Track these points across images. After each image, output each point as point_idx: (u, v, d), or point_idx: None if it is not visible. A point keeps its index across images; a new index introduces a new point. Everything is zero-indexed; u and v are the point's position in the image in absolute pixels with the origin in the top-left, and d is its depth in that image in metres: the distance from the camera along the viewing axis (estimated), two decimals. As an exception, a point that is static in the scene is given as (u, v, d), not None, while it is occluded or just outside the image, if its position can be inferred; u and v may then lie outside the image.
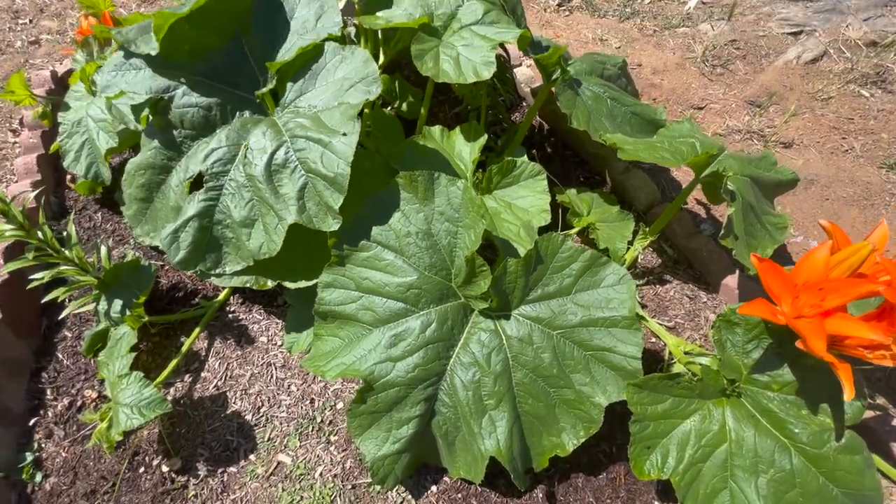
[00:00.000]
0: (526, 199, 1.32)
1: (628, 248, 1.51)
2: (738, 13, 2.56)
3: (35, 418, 1.34)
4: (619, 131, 1.48)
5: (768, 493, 0.94)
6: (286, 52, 1.19)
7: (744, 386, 1.03)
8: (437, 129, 1.43)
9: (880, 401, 1.35)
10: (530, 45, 1.48)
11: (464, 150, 1.39)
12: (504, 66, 2.06)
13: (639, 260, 1.61)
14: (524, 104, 2.11)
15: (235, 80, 1.21)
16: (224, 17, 1.19)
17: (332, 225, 1.05)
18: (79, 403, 1.37)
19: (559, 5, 2.77)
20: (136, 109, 1.18)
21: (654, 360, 1.41)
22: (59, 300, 1.41)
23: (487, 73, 1.24)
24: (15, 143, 2.17)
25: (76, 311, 1.54)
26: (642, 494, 1.18)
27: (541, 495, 1.17)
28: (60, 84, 2.19)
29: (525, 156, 1.44)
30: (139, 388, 1.12)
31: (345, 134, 1.02)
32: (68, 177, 1.92)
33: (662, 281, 1.58)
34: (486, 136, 1.37)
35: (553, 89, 1.59)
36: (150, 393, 1.11)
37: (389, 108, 1.95)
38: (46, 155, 1.88)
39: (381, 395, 1.05)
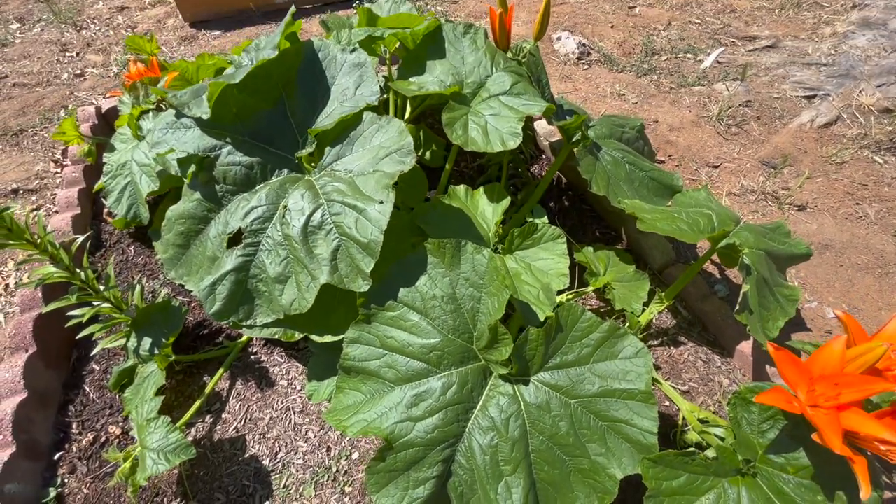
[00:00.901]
0: (546, 262, 1.37)
1: (643, 310, 1.54)
2: (752, 74, 2.64)
3: (60, 452, 1.38)
4: (636, 195, 1.54)
5: (783, 580, 0.94)
6: (326, 118, 1.27)
7: (759, 466, 1.04)
8: (461, 189, 1.49)
9: (897, 479, 1.34)
10: (554, 113, 1.56)
11: (487, 209, 1.45)
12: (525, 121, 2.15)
13: (653, 321, 1.64)
14: (543, 157, 2.19)
15: (277, 141, 1.29)
16: (271, 83, 1.29)
17: (363, 286, 1.10)
18: (102, 439, 1.41)
19: (578, 59, 2.88)
20: (183, 164, 1.26)
21: (667, 424, 1.42)
22: (93, 337, 1.47)
23: (514, 144, 1.31)
24: (56, 173, 2.29)
25: (106, 347, 1.60)
26: (654, 567, 1.18)
27: (552, 562, 1.17)
28: (104, 119, 2.32)
29: (545, 216, 1.50)
30: (166, 433, 1.16)
31: (381, 202, 1.08)
32: (105, 210, 2.02)
33: (677, 343, 1.60)
34: (508, 199, 1.43)
35: (574, 150, 1.66)
36: (177, 438, 1.15)
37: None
38: (87, 190, 1.98)
39: (399, 455, 1.08)
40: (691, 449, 1.02)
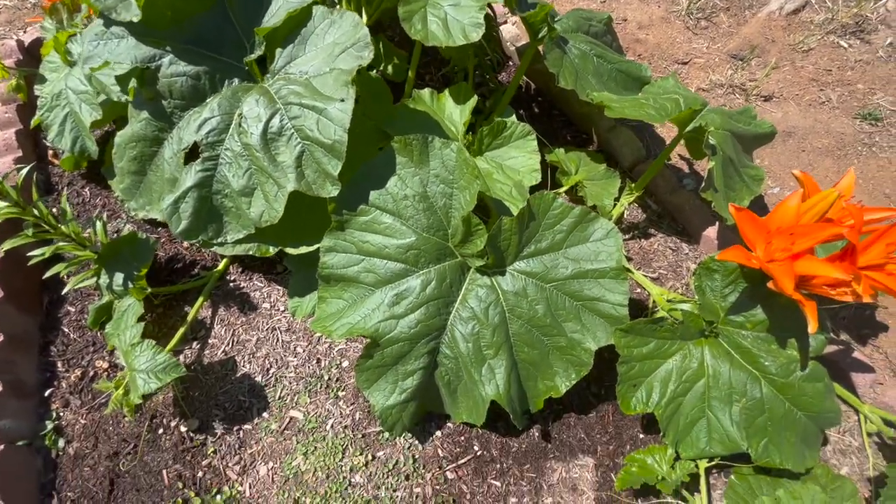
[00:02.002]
0: (517, 160, 1.36)
1: (615, 205, 1.57)
2: (722, -37, 2.53)
3: (50, 389, 1.39)
4: (605, 89, 1.51)
5: (741, 419, 1.05)
6: (272, 17, 1.17)
7: (721, 327, 1.12)
8: (426, 93, 1.44)
9: (844, 337, 1.48)
10: (517, 2, 1.48)
11: (454, 112, 1.41)
12: (490, 24, 2.03)
13: (625, 215, 1.68)
14: (510, 63, 2.10)
15: (222, 47, 1.19)
16: (205, -19, 1.16)
17: (332, 191, 1.08)
18: (91, 374, 1.42)
19: (543, -43, 2.69)
20: (122, 80, 1.17)
21: (638, 308, 1.50)
22: (61, 276, 1.43)
23: (476, 35, 1.24)
24: (-12, 118, 2.09)
25: (76, 287, 1.57)
26: (628, 428, 1.30)
27: (537, 434, 1.28)
28: (29, 54, 2.10)
29: (514, 116, 1.46)
30: (153, 355, 1.17)
31: (342, 100, 1.03)
32: (50, 152, 1.88)
33: (647, 235, 1.66)
34: (475, 98, 1.38)
35: (540, 48, 1.59)
36: (164, 358, 1.17)
37: (374, 71, 1.93)
38: (25, 130, 1.83)
39: (386, 351, 1.12)
40: (660, 315, 1.09)
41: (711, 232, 1.58)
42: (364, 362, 1.13)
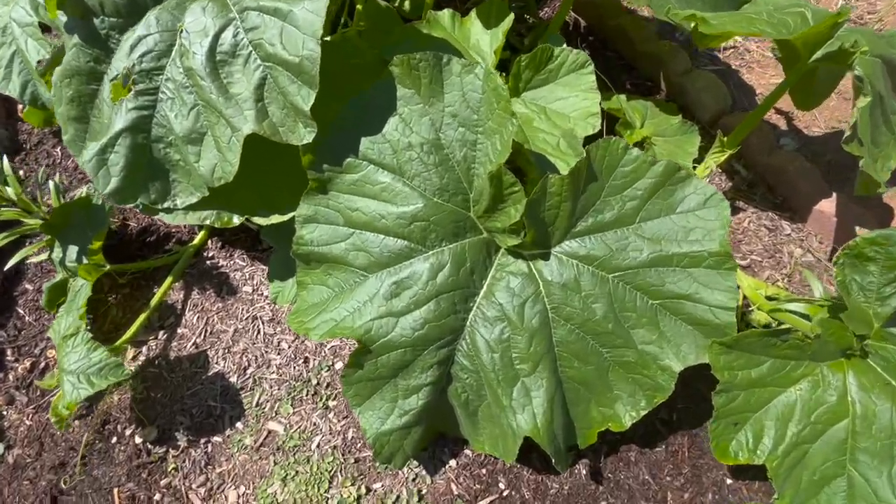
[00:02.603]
0: (567, 101, 1.00)
1: (695, 168, 1.19)
2: None
3: (-6, 382, 1.17)
4: (688, 7, 1.11)
5: (907, 486, 0.69)
6: None
7: (874, 344, 0.75)
8: (446, 14, 1.08)
9: None
10: None
11: (482, 39, 1.06)
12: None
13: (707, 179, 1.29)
14: (555, -4, 1.70)
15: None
16: None
17: (305, 135, 0.76)
18: (41, 365, 1.19)
19: None
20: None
21: (723, 306, 1.13)
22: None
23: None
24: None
25: (37, 262, 1.34)
26: (711, 470, 0.96)
27: (584, 471, 0.96)
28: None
29: (564, 44, 1.09)
30: (86, 352, 0.91)
31: (311, -3, 0.70)
32: (20, 106, 1.66)
33: (734, 209, 1.26)
34: (511, 18, 1.02)
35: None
36: (101, 357, 0.90)
37: (387, 3, 1.58)
38: (-12, 80, 1.60)
39: (381, 359, 0.82)
40: (785, 326, 0.73)
41: (826, 206, 1.18)
42: (352, 373, 0.83)
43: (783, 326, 0.75)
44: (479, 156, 0.79)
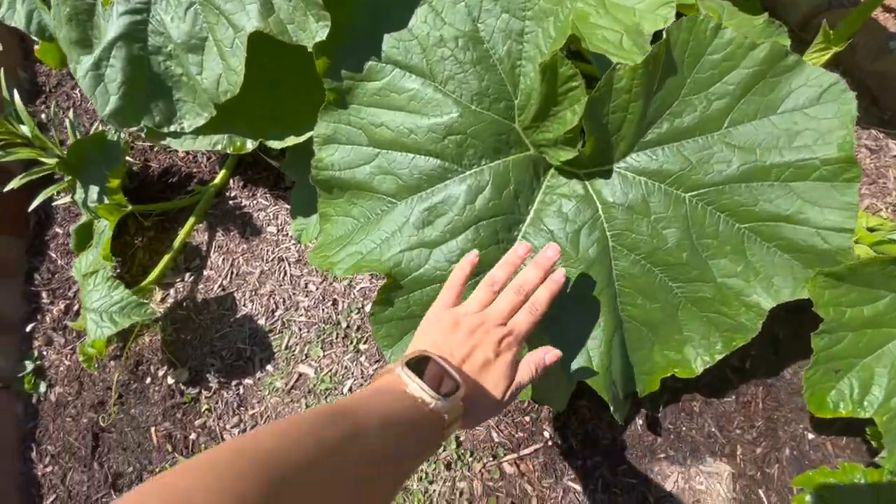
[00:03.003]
0: (632, -12, 0.81)
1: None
2: None
3: (33, 324, 1.18)
4: None
5: None
6: None
7: None
8: None
9: None
10: None
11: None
12: None
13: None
14: None
15: None
16: None
17: (318, 31, 0.64)
18: (76, 307, 1.19)
19: None
20: None
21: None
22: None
23: None
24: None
25: (64, 205, 1.32)
26: (788, 424, 0.84)
27: (640, 421, 0.86)
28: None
29: (627, -78, 0.89)
30: (107, 290, 0.87)
31: None
32: (36, 47, 1.59)
33: (827, 127, 1.06)
34: None
35: None
36: (122, 296, 0.86)
37: None
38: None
39: (414, 296, 0.72)
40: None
41: (951, 118, 0.96)
42: (381, 311, 0.74)
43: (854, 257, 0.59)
44: (526, 49, 0.64)
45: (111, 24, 0.73)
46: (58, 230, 1.30)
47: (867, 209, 0.98)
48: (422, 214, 0.71)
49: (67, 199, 1.24)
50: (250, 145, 0.83)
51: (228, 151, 0.82)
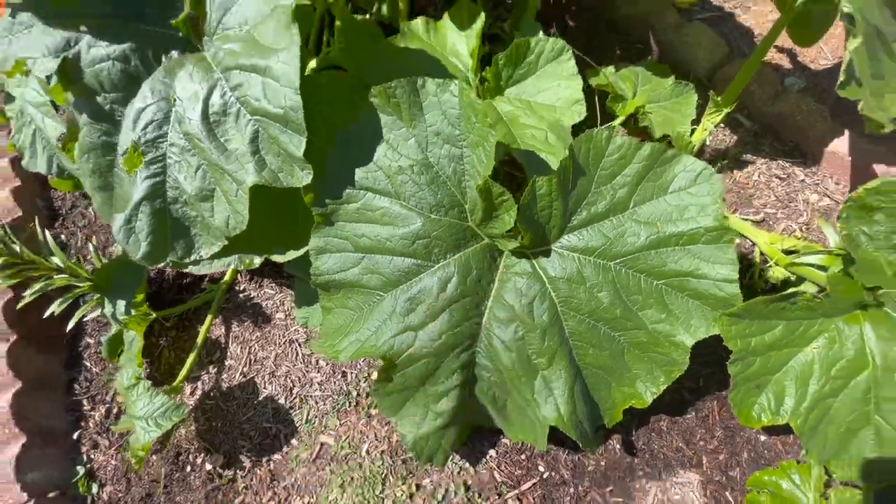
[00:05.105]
0: (550, 92, 1.00)
1: (693, 130, 1.17)
2: None
3: (78, 431, 1.31)
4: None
5: (935, 429, 0.70)
6: (194, -44, 0.88)
7: (888, 292, 0.75)
8: (419, 23, 1.10)
9: None
10: None
11: (458, 42, 1.06)
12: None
13: (707, 142, 1.27)
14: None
15: (146, 13, 0.93)
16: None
17: (303, 177, 0.81)
18: (115, 410, 1.33)
19: None
20: (51, 83, 0.95)
21: (744, 265, 1.12)
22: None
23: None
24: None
25: (93, 318, 1.47)
26: (743, 430, 0.98)
27: (618, 446, 1.00)
28: (15, 73, 1.99)
29: (540, 33, 1.09)
30: (149, 399, 1.02)
31: (284, 48, 0.74)
32: (51, 177, 1.78)
33: (741, 164, 1.24)
34: (483, 18, 1.02)
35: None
36: (162, 401, 1.01)
37: (367, 14, 1.59)
38: (19, 157, 1.73)
39: (407, 371, 0.87)
40: (792, 290, 0.73)
41: (840, 146, 1.14)
42: (383, 387, 0.89)
43: (791, 290, 0.75)
44: (467, 168, 0.81)
45: (136, 188, 0.91)
46: (89, 340, 1.45)
47: (783, 231, 1.15)
48: (405, 304, 0.86)
49: (96, 312, 1.40)
50: (257, 261, 0.99)
51: (240, 269, 0.98)
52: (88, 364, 1.41)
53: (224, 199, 0.88)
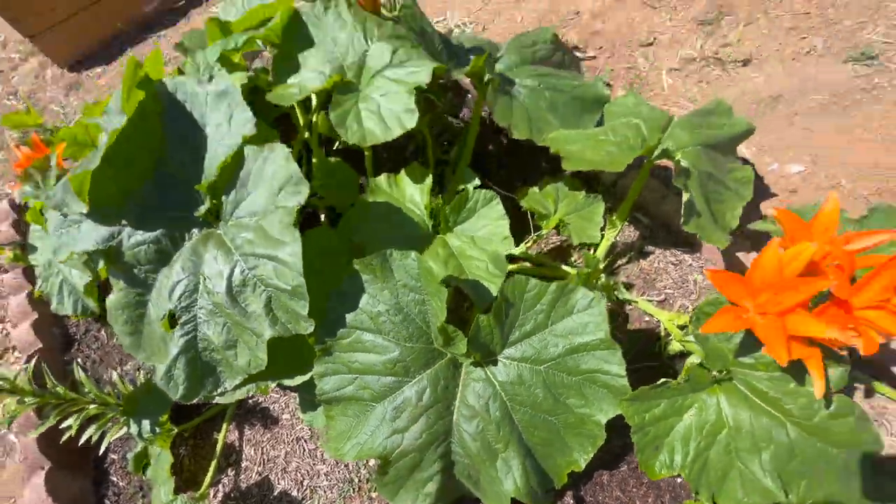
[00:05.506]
0: (487, 229, 1.32)
1: (602, 235, 1.51)
2: (668, -80, 2.35)
3: (112, 543, 1.48)
4: (563, 123, 1.44)
5: (772, 467, 1.00)
6: (211, 166, 1.18)
7: (733, 369, 1.06)
8: (382, 180, 1.42)
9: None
10: (450, 63, 1.42)
11: (414, 193, 1.39)
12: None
13: (618, 240, 1.61)
14: (469, 95, 2.04)
15: (175, 205, 1.21)
16: (139, 149, 1.18)
17: (307, 328, 1.08)
18: (145, 520, 1.50)
19: (480, -35, 2.58)
20: (91, 261, 1.20)
21: (651, 338, 1.44)
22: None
23: (412, 122, 1.21)
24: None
25: (112, 440, 1.65)
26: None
27: (571, 501, 1.26)
28: (24, 211, 2.22)
29: (475, 179, 1.43)
30: (188, 511, 1.22)
31: (288, 243, 1.03)
32: (75, 314, 1.99)
33: (644, 253, 1.58)
34: (430, 178, 1.35)
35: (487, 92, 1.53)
36: (199, 513, 1.22)
37: (337, 143, 1.92)
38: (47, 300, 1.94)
39: (399, 464, 1.12)
40: (662, 381, 1.04)
41: (711, 237, 1.49)
42: (382, 478, 1.14)
43: (661, 381, 1.05)
44: (429, 309, 1.11)
45: (173, 345, 1.16)
46: (113, 457, 1.63)
47: (679, 308, 1.48)
48: (392, 412, 1.13)
49: (122, 431, 1.59)
50: (272, 386, 1.24)
51: (258, 394, 1.23)
52: (115, 479, 1.59)
53: (246, 347, 1.14)
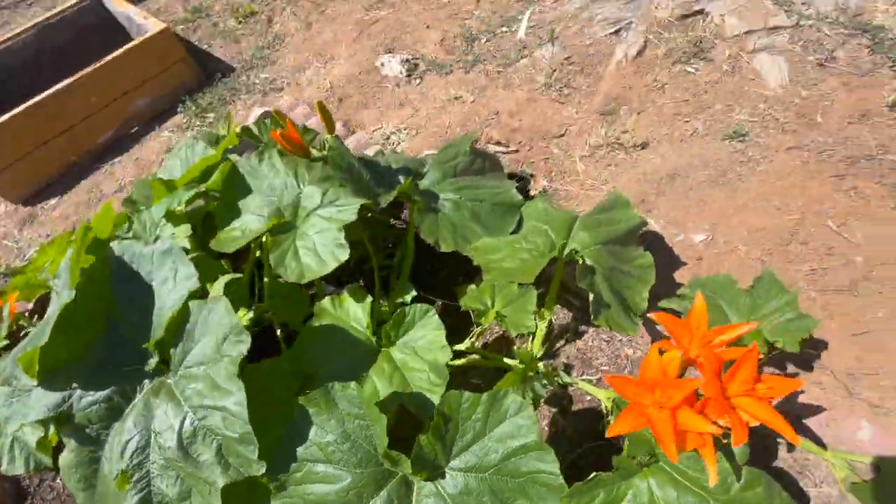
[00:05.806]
0: (426, 339, 1.43)
1: (536, 324, 1.64)
2: (562, 29, 2.74)
3: None
4: (486, 230, 1.61)
5: (704, 543, 1.08)
6: (159, 319, 1.26)
7: (658, 452, 1.16)
8: (327, 303, 1.52)
9: (790, 369, 1.52)
10: (380, 188, 1.59)
11: (357, 312, 1.49)
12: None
13: (553, 323, 1.74)
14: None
15: (124, 363, 1.27)
16: (88, 315, 1.26)
17: (259, 469, 1.13)
18: None
19: (409, 76, 2.90)
20: (43, 428, 1.23)
21: (596, 416, 1.54)
22: None
23: (344, 255, 1.34)
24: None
25: None
26: (624, 557, 1.30)
27: None
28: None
29: (413, 291, 1.55)
30: None
31: (233, 392, 1.10)
32: (28, 473, 1.93)
33: (579, 334, 1.72)
34: (369, 298, 1.47)
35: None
36: None
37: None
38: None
39: (363, 593, 1.14)
40: (593, 475, 1.13)
41: (634, 313, 1.65)
42: None
43: (592, 475, 1.14)
44: (374, 433, 1.18)
45: (128, 502, 1.17)
46: None
47: (616, 384, 1.59)
48: (351, 540, 1.16)
49: None
50: (230, 528, 1.25)
51: (217, 540, 1.23)
52: None
53: (200, 496, 1.16)
